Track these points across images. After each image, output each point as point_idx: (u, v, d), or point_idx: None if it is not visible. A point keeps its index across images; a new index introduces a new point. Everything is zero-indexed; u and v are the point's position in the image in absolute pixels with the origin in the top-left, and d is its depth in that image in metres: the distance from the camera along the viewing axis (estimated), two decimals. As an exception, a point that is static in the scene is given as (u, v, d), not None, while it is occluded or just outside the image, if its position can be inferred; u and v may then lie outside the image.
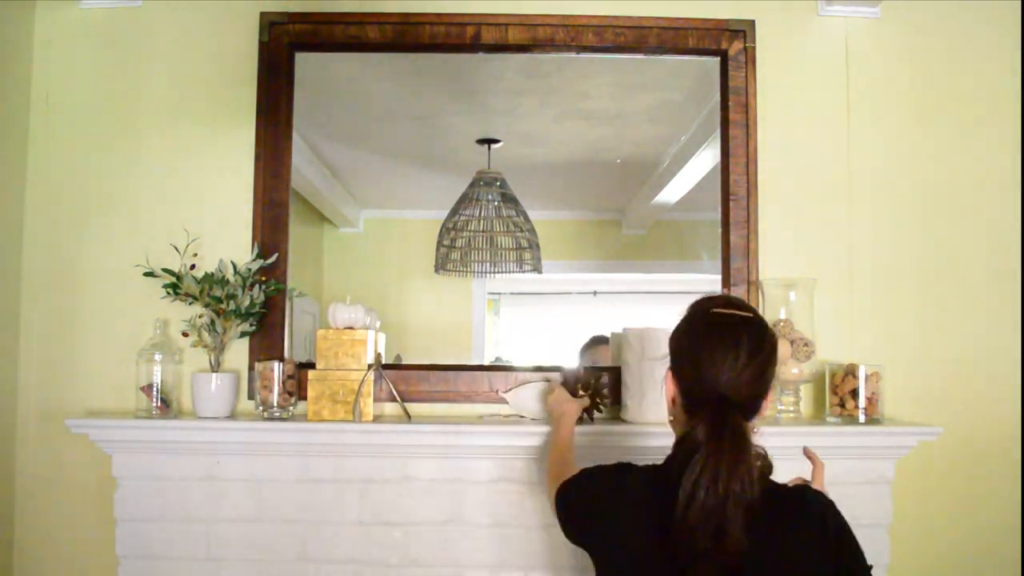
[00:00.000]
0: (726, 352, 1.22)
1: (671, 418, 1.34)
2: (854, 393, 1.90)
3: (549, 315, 2.41)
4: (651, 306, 2.41)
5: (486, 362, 2.23)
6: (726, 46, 2.07)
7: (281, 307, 2.02)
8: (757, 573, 1.18)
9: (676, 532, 1.16)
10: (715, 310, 1.27)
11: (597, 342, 2.24)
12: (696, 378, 1.25)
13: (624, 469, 1.36)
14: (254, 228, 2.02)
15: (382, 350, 2.06)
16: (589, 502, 1.36)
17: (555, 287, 2.38)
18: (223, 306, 1.91)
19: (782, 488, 1.30)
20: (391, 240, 2.38)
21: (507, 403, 1.99)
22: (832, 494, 1.89)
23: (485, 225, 2.23)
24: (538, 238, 2.25)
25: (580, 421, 1.92)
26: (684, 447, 1.20)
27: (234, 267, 1.99)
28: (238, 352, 2.02)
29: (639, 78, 2.18)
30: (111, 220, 2.06)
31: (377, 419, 1.94)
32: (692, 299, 1.34)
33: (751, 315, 1.27)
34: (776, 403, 2.00)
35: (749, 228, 2.04)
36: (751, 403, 1.25)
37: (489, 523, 1.89)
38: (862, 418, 1.89)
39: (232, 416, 1.94)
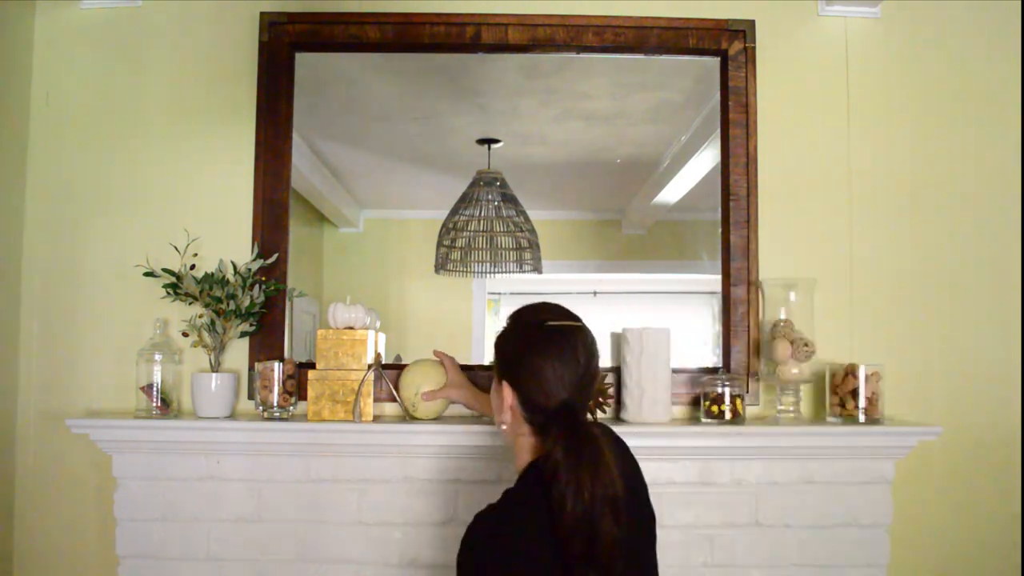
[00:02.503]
0: (567, 362, 1.30)
1: (504, 426, 1.37)
2: (854, 393, 1.90)
3: (549, 315, 2.41)
4: (651, 306, 2.40)
5: (486, 362, 2.23)
6: (726, 46, 2.07)
7: (281, 307, 2.02)
8: (635, 553, 1.25)
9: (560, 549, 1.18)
10: (550, 323, 1.35)
11: None
12: (538, 388, 1.30)
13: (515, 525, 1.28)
14: (254, 228, 2.02)
15: (382, 350, 2.06)
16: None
17: (555, 287, 2.38)
18: (223, 306, 1.91)
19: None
20: (391, 240, 2.38)
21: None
22: (832, 494, 1.90)
23: (485, 225, 2.23)
24: (538, 238, 2.25)
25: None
26: (548, 464, 1.23)
27: (234, 267, 1.99)
28: (238, 352, 2.02)
29: (639, 78, 2.18)
30: (111, 220, 2.06)
31: (377, 419, 1.94)
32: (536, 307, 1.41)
33: (580, 323, 1.37)
34: (776, 403, 2.00)
35: (749, 228, 2.04)
36: (586, 405, 1.37)
37: (489, 523, 1.89)
38: (862, 418, 1.89)
39: (232, 416, 1.94)
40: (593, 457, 1.21)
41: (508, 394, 1.34)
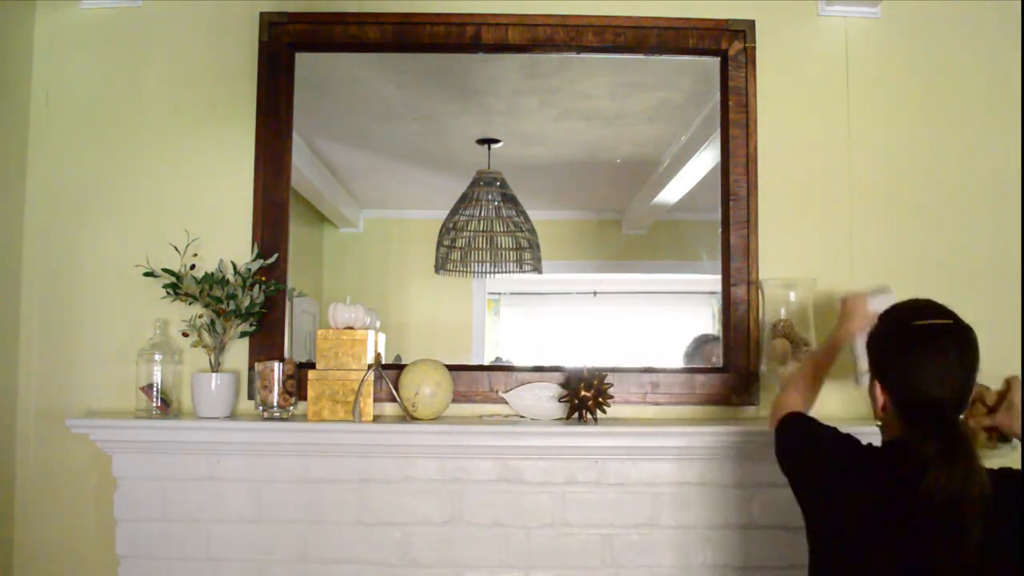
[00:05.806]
0: (933, 361, 1.31)
1: (879, 423, 1.41)
2: (854, 393, 1.89)
3: (549, 315, 2.41)
4: (651, 306, 2.40)
5: (486, 362, 2.23)
6: (726, 46, 2.07)
7: (281, 307, 2.02)
8: (996, 562, 1.23)
9: (914, 537, 1.23)
10: (917, 322, 1.36)
11: (705, 342, 2.22)
12: (905, 387, 1.33)
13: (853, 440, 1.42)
14: (254, 228, 2.02)
15: (382, 350, 2.06)
16: (825, 452, 1.43)
17: (555, 287, 2.38)
18: (223, 306, 1.91)
19: (1002, 472, 1.35)
20: (391, 240, 2.38)
21: (507, 403, 1.99)
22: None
23: (485, 225, 2.23)
24: (538, 238, 2.25)
25: (583, 421, 1.92)
26: (910, 450, 1.28)
27: (234, 267, 1.99)
28: (238, 352, 2.02)
29: (639, 78, 2.18)
30: (111, 220, 2.06)
31: (377, 419, 1.94)
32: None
33: (951, 322, 1.35)
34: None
35: (749, 228, 2.04)
36: (962, 402, 1.34)
37: (489, 523, 1.89)
38: (862, 418, 1.89)
39: (232, 416, 1.94)
40: (966, 460, 1.22)
41: (879, 392, 1.37)
